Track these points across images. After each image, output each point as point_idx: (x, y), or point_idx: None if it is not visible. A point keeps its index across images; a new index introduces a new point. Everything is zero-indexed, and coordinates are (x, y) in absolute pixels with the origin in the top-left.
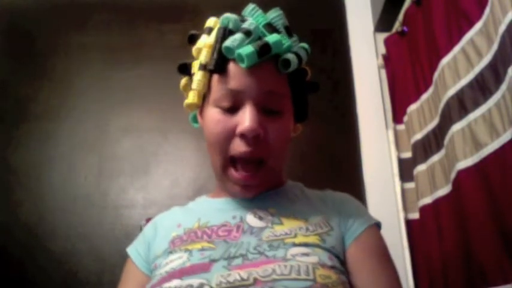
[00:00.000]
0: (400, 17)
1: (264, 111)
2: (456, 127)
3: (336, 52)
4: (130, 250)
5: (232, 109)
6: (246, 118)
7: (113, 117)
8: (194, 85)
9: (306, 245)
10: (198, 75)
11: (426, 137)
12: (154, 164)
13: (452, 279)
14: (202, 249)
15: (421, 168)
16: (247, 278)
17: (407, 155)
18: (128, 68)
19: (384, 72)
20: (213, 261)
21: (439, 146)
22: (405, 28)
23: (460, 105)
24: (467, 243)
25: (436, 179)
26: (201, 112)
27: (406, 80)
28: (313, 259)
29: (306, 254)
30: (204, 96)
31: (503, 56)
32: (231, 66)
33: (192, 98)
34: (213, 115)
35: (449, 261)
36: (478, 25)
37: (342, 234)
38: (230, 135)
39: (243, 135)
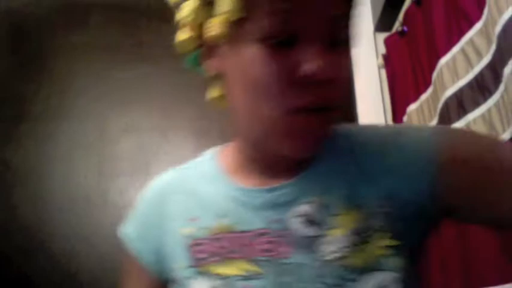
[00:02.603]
0: (400, 17)
1: (331, 42)
2: (455, 127)
3: None
4: (131, 238)
5: (285, 43)
6: (312, 54)
7: (113, 117)
8: (224, 5)
9: (376, 268)
10: None
11: None
12: (154, 164)
13: (451, 278)
14: (246, 277)
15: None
16: None
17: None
18: (128, 68)
19: (383, 72)
20: None
21: None
22: (405, 28)
23: (459, 105)
24: (467, 244)
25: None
26: (212, 52)
27: (406, 80)
28: None
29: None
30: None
31: (501, 56)
32: None
33: (218, 26)
34: (258, 52)
35: (448, 260)
36: (478, 25)
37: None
38: (286, 80)
39: (310, 79)
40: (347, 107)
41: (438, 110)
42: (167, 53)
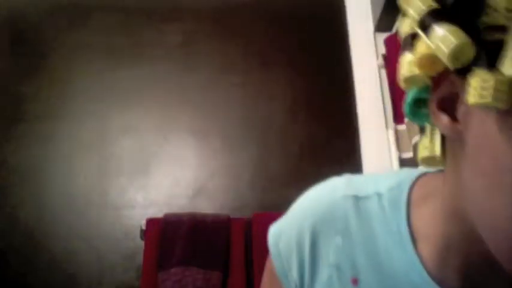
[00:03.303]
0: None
1: None
2: None
3: (336, 52)
4: (275, 249)
5: None
6: None
7: (113, 117)
8: None
9: None
10: None
11: None
12: (154, 164)
13: None
14: None
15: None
16: None
17: (409, 155)
18: (128, 68)
19: (384, 72)
20: None
21: None
22: None
23: None
24: None
25: None
26: (454, 110)
27: None
28: None
29: None
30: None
31: None
32: None
33: (494, 90)
34: None
35: None
36: None
37: None
38: None
39: None
40: (347, 107)
41: None
42: (167, 53)
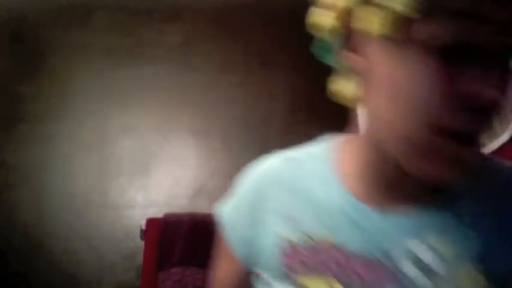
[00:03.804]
0: None
1: (504, 59)
2: None
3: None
4: (225, 221)
5: (455, 55)
6: (483, 73)
7: (113, 117)
8: (395, 1)
9: None
10: None
11: None
12: (154, 164)
13: None
14: None
15: None
16: None
17: None
18: (128, 68)
19: None
20: None
21: None
22: None
23: None
24: None
25: None
26: (358, 46)
27: None
28: None
29: None
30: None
31: None
32: None
33: (379, 21)
34: (423, 62)
35: None
36: None
37: None
38: (447, 95)
39: (472, 100)
40: (347, 107)
41: None
42: (167, 53)
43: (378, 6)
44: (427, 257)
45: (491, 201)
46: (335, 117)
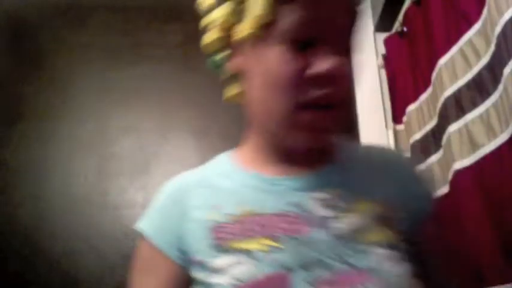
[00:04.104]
0: (400, 17)
1: (340, 47)
2: (453, 127)
3: None
4: (150, 231)
5: (304, 45)
6: (328, 54)
7: (112, 117)
8: (256, 10)
9: (387, 245)
10: None
11: (425, 138)
12: (154, 164)
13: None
14: (268, 251)
15: (420, 168)
16: None
17: (407, 155)
18: (127, 68)
19: (383, 72)
20: (289, 270)
21: (437, 147)
22: (405, 28)
23: (457, 105)
24: (465, 244)
25: (434, 179)
26: (237, 51)
27: (405, 80)
28: (402, 269)
29: (392, 260)
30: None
31: (500, 56)
32: None
33: (248, 28)
34: (281, 52)
35: (448, 260)
36: (477, 26)
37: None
38: (301, 77)
39: (323, 76)
40: (347, 107)
41: (437, 111)
42: (167, 53)
43: (246, 18)
44: (328, 198)
45: (362, 165)
46: None
